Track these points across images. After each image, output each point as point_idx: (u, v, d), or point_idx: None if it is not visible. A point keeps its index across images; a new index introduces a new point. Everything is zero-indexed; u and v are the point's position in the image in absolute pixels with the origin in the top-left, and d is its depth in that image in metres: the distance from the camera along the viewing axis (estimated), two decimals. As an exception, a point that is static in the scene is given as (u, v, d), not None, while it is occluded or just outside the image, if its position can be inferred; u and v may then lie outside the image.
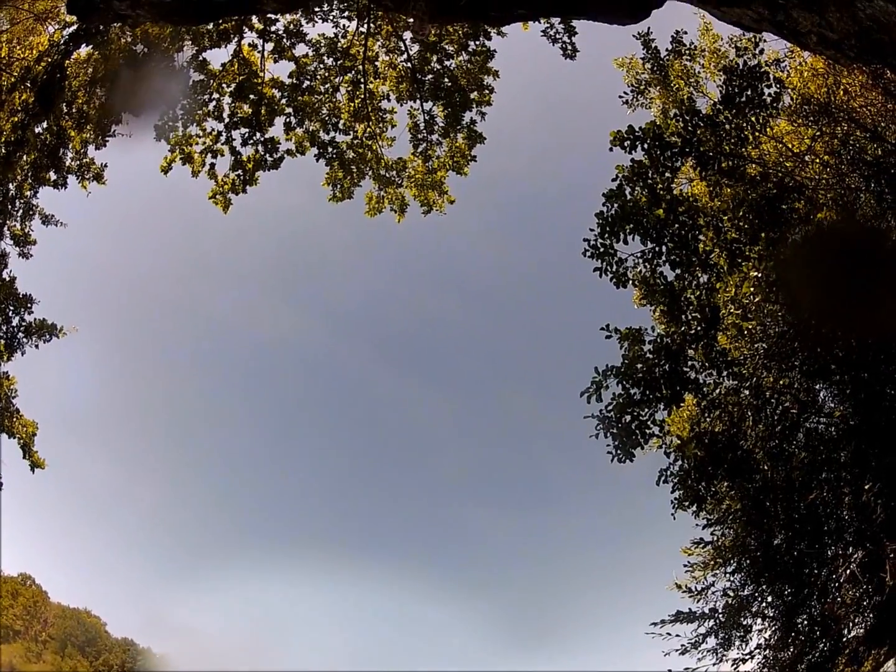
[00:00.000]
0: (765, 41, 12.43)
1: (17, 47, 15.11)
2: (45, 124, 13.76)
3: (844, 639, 12.00)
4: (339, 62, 12.91)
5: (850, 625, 12.09)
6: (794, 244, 10.74)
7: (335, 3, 11.53)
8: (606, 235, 8.27)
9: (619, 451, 8.53)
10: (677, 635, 12.32)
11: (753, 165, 10.60)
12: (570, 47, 11.42)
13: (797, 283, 10.46)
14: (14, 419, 14.44)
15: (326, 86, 13.12)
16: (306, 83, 13.06)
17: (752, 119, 10.58)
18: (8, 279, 14.09)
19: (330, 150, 13.34)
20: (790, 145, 11.96)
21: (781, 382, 10.60)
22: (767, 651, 12.91)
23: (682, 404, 9.10)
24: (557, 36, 11.26)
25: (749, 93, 10.75)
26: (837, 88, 13.00)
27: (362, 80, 12.82)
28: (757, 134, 10.86)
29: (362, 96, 12.88)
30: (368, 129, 13.22)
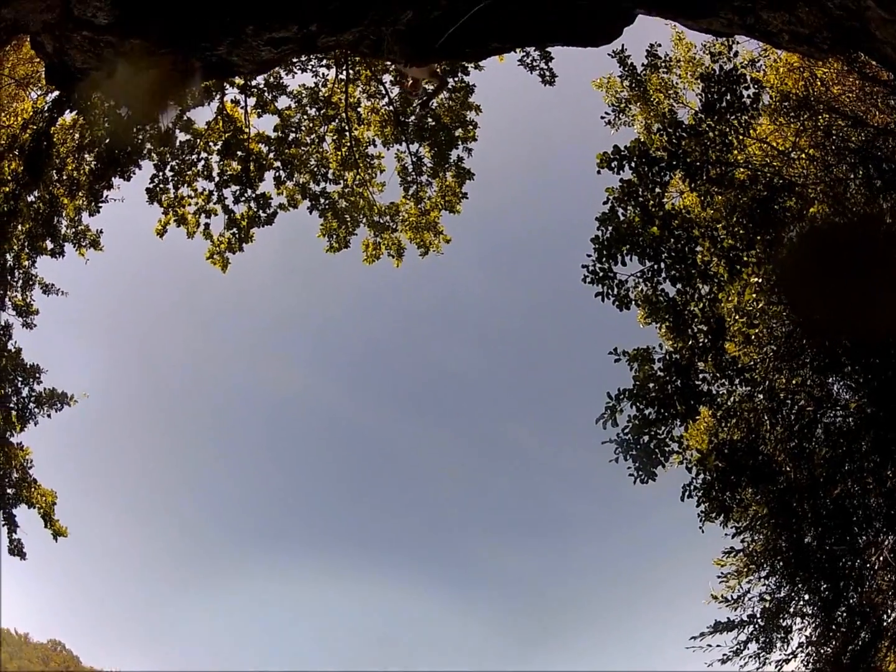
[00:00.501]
0: (738, 43, 12.55)
1: (2, 114, 15.30)
2: (36, 193, 13.89)
3: (885, 623, 11.88)
4: (322, 111, 12.94)
5: (889, 610, 11.98)
6: (790, 243, 10.74)
7: (312, 53, 11.62)
8: (604, 259, 8.29)
9: (640, 473, 8.49)
10: (718, 645, 12.18)
11: (741, 169, 10.62)
12: (548, 73, 11.48)
13: (796, 281, 10.45)
14: (32, 489, 14.44)
15: (312, 136, 13.16)
16: (292, 135, 13.12)
17: (735, 123, 10.64)
18: (14, 350, 14.17)
19: (322, 201, 13.31)
20: (774, 143, 12.00)
21: (794, 382, 10.53)
22: (809, 648, 12.76)
23: (697, 417, 9.05)
24: (534, 63, 11.35)
25: (728, 97, 10.81)
26: (814, 80, 13.09)
27: (347, 127, 12.86)
28: (741, 137, 10.91)
29: (348, 144, 12.92)
30: (358, 177, 13.23)
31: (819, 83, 13.13)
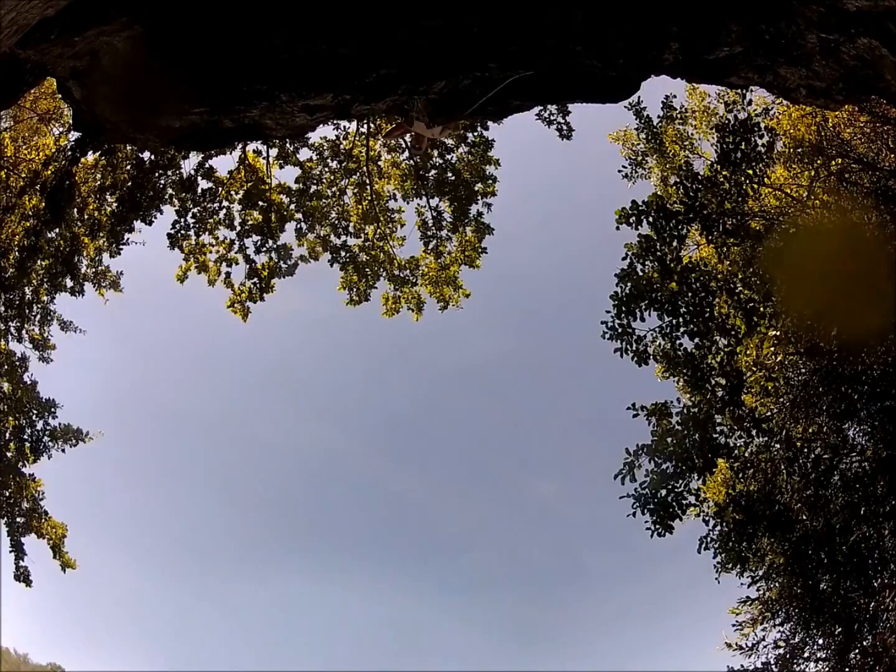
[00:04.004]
0: (751, 91, 12.72)
1: (23, 147, 15.53)
2: (57, 230, 14.04)
3: (897, 664, 11.79)
4: (343, 164, 13.08)
5: (901, 650, 11.91)
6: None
7: (346, 119, 11.51)
8: (623, 315, 8.36)
9: (657, 526, 8.49)
10: (732, 694, 12.02)
11: (756, 219, 10.72)
12: (565, 128, 11.65)
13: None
14: (42, 520, 14.45)
15: (333, 189, 13.27)
16: (313, 188, 13.21)
17: (750, 172, 10.75)
18: (30, 383, 14.26)
19: (342, 254, 13.40)
20: (789, 191, 12.10)
21: (811, 430, 10.52)
22: (822, 693, 12.64)
23: (714, 470, 9.05)
24: (552, 118, 11.54)
25: (743, 147, 10.93)
26: (826, 124, 13.23)
27: (368, 181, 12.97)
28: (756, 186, 11.02)
29: (369, 198, 13.03)
30: (378, 231, 13.31)
31: (831, 127, 13.28)
